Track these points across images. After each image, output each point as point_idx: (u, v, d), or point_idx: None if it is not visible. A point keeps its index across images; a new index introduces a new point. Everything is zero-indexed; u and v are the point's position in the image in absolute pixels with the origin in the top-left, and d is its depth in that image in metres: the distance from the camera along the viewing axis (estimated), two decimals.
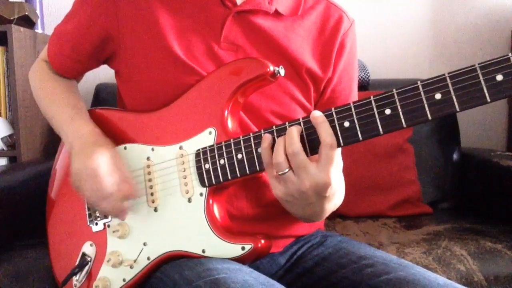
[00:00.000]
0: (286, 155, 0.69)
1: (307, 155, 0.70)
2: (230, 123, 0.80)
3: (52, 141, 1.70)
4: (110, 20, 0.87)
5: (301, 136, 0.70)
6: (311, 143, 0.70)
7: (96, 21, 0.88)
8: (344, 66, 0.93)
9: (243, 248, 0.76)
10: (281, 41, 0.87)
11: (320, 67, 0.90)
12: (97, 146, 0.82)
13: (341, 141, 0.68)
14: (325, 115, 0.69)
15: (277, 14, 0.88)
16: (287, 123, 0.73)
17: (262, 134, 0.74)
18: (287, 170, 0.69)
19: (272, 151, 0.71)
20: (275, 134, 0.73)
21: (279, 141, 0.70)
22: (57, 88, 0.96)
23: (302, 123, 0.71)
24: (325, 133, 0.68)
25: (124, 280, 0.84)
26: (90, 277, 0.88)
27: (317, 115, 0.69)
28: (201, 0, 0.86)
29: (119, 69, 0.91)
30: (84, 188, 0.81)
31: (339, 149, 0.71)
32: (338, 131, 0.68)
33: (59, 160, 1.00)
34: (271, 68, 0.77)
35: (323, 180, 0.69)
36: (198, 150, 0.80)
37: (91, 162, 0.80)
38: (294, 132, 0.69)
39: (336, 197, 0.75)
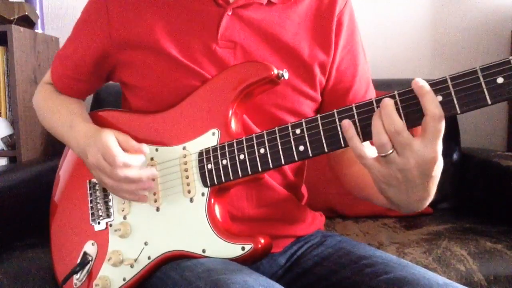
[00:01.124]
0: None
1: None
2: (233, 125, 0.80)
3: (52, 141, 1.71)
4: (104, 38, 0.88)
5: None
6: (407, 116, 0.64)
7: (92, 41, 0.90)
8: (344, 43, 0.91)
9: (243, 248, 0.76)
10: (277, 31, 0.87)
11: (321, 50, 0.89)
12: (98, 132, 0.83)
13: (342, 143, 0.69)
14: (324, 116, 0.69)
15: (270, 4, 0.87)
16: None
17: (265, 135, 0.74)
18: (391, 151, 0.63)
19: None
20: (276, 133, 0.74)
21: (376, 120, 0.63)
22: (56, 103, 0.97)
23: (397, 95, 0.64)
24: (433, 104, 0.60)
25: (124, 279, 0.84)
26: (90, 276, 0.88)
27: (421, 84, 0.61)
28: (193, 2, 0.86)
29: (121, 79, 0.92)
30: (104, 167, 0.80)
31: None
32: (340, 132, 0.69)
33: (64, 161, 1.01)
34: (275, 71, 0.78)
35: (430, 156, 0.62)
36: (201, 150, 0.80)
37: (100, 142, 0.80)
38: (390, 108, 0.62)
39: (438, 178, 0.67)
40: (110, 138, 0.81)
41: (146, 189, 0.82)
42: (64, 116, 0.94)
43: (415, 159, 0.63)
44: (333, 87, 0.92)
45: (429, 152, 0.62)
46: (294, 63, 0.87)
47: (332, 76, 0.92)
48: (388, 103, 0.63)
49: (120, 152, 0.80)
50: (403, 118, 0.63)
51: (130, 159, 0.80)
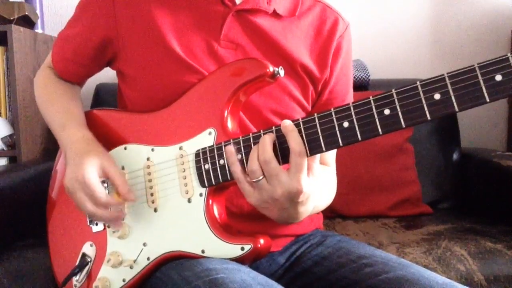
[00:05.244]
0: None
1: (280, 163, 0.71)
2: (230, 124, 0.80)
3: (52, 141, 1.70)
4: (109, 24, 0.88)
5: (274, 144, 0.72)
6: (283, 151, 0.71)
7: (97, 26, 0.90)
8: (341, 67, 0.95)
9: (242, 249, 0.76)
10: (279, 40, 0.88)
11: (317, 67, 0.92)
12: (86, 155, 0.81)
13: (340, 141, 0.68)
14: (324, 115, 0.69)
15: (275, 14, 0.89)
16: (261, 130, 0.74)
17: (262, 134, 0.74)
18: (261, 177, 0.71)
19: (242, 161, 0.74)
20: (273, 133, 0.73)
21: (254, 150, 0.71)
22: (54, 94, 0.97)
23: (274, 131, 0.72)
24: (294, 141, 0.69)
25: (123, 280, 0.84)
26: (90, 277, 0.88)
27: (286, 124, 0.70)
28: (200, 0, 0.87)
29: (120, 69, 0.92)
30: (78, 198, 0.80)
31: (317, 156, 0.72)
32: (338, 131, 0.68)
33: (60, 161, 1.00)
34: (271, 68, 0.77)
35: (295, 188, 0.69)
36: (198, 150, 0.80)
37: (81, 173, 0.79)
38: (266, 141, 0.70)
39: (311, 201, 0.75)
40: (93, 176, 0.79)
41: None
42: (60, 114, 0.93)
43: (281, 189, 0.70)
44: (323, 106, 0.94)
45: (293, 184, 0.69)
46: (292, 71, 0.89)
47: (325, 95, 0.94)
48: (266, 137, 0.71)
49: (103, 194, 0.79)
50: (279, 152, 0.71)
51: (113, 202, 0.80)
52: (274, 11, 0.88)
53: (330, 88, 0.94)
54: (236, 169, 0.74)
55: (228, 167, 0.76)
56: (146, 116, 0.87)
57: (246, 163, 0.74)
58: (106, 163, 0.82)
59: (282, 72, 0.78)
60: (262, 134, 0.73)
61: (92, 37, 0.91)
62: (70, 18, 0.97)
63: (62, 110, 0.93)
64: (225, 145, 0.76)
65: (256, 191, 0.73)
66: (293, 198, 0.71)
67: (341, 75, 0.95)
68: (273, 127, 0.73)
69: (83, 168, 0.79)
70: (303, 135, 0.70)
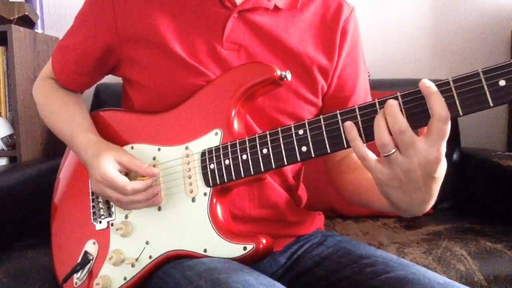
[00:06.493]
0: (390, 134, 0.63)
1: (364, 142, 0.66)
2: (236, 125, 0.80)
3: (52, 141, 1.70)
4: (111, 33, 0.88)
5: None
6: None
7: (98, 35, 0.89)
8: (347, 52, 0.93)
9: (245, 248, 0.76)
10: (282, 36, 0.87)
11: (325, 56, 0.90)
12: (98, 156, 0.82)
13: (344, 143, 0.69)
14: (327, 117, 0.69)
15: (276, 9, 0.88)
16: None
17: (268, 135, 0.74)
18: (394, 150, 0.63)
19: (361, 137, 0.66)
20: (279, 134, 0.73)
21: (379, 121, 0.63)
22: (56, 105, 0.97)
23: (378, 104, 0.66)
24: (440, 105, 0.60)
25: (125, 278, 0.84)
26: (91, 275, 0.88)
27: (429, 84, 0.61)
28: (200, 3, 0.86)
29: (126, 76, 0.92)
30: (109, 197, 0.82)
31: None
32: (342, 133, 0.69)
33: (66, 160, 1.01)
34: (278, 72, 0.78)
35: (433, 156, 0.62)
36: (204, 150, 0.80)
37: (99, 172, 0.80)
38: (396, 108, 0.62)
39: (441, 178, 0.67)
40: (110, 170, 0.80)
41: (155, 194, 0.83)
42: (66, 125, 0.93)
43: (419, 159, 0.62)
44: (334, 94, 0.93)
45: (433, 152, 0.62)
46: (297, 68, 0.88)
47: (333, 83, 0.93)
48: (393, 103, 0.62)
49: (126, 182, 0.80)
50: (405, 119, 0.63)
51: (138, 185, 0.80)
52: (275, 6, 0.87)
53: (338, 73, 0.92)
54: (359, 144, 0.66)
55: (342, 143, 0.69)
56: (153, 116, 0.87)
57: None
58: (117, 155, 0.82)
59: (289, 76, 0.79)
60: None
61: (94, 47, 0.91)
62: (69, 28, 0.96)
63: (67, 120, 0.93)
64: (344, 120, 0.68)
65: (386, 166, 0.65)
66: (430, 171, 0.63)
67: (348, 60, 0.93)
68: (398, 93, 0.64)
69: (99, 167, 0.80)
70: (455, 95, 0.61)
